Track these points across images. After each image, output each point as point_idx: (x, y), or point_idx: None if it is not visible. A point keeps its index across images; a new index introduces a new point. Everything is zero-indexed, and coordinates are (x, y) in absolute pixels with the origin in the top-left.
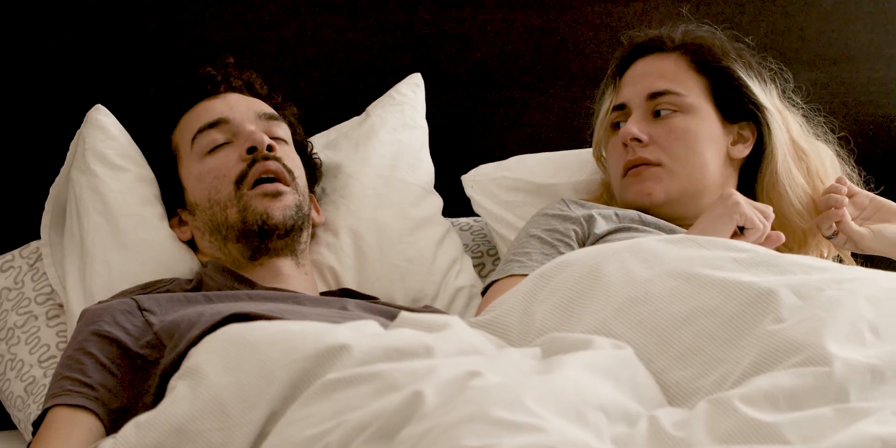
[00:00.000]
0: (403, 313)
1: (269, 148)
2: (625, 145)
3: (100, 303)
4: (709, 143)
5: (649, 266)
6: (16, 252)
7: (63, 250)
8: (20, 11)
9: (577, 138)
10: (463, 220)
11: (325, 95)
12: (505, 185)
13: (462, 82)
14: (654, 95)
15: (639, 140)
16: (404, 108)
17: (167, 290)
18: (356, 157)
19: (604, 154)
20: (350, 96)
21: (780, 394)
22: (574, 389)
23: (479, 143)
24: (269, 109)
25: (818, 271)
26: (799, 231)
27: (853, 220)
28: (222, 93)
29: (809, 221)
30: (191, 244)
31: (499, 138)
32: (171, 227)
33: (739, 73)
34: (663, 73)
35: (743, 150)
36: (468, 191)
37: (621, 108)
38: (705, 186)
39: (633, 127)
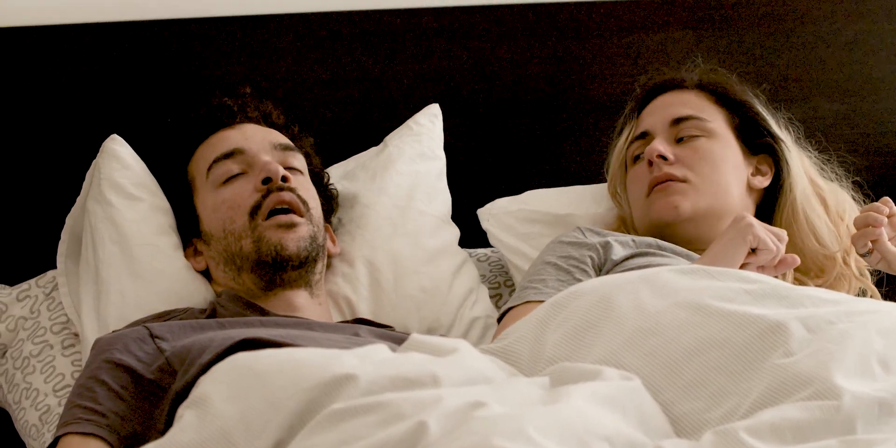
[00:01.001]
0: (413, 335)
1: (284, 179)
2: (650, 164)
3: (114, 332)
4: (732, 167)
5: (661, 297)
6: (32, 281)
7: (79, 280)
8: (38, 42)
9: (596, 169)
10: (480, 250)
11: (344, 126)
12: (521, 217)
13: (480, 113)
14: (677, 121)
15: (664, 158)
16: (422, 138)
17: (180, 320)
18: (373, 187)
19: (619, 190)
20: (368, 127)
21: (786, 426)
22: (579, 419)
23: (497, 174)
24: (285, 140)
25: (830, 304)
26: (817, 264)
27: (889, 240)
28: (238, 123)
29: (830, 254)
30: (206, 274)
31: (517, 169)
32: (186, 256)
33: (758, 107)
34: (685, 102)
35: (763, 182)
36: (484, 224)
37: (643, 136)
38: (728, 208)
39: (658, 145)
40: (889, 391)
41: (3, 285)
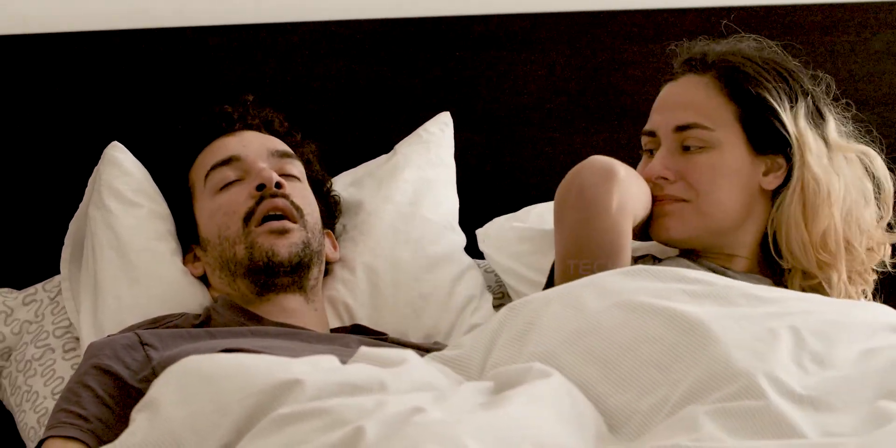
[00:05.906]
0: (362, 348)
1: (278, 185)
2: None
3: (107, 336)
4: (735, 178)
5: (603, 298)
6: (39, 286)
7: (80, 284)
8: (40, 50)
9: None
10: (485, 261)
11: (355, 133)
12: (513, 236)
13: (495, 122)
14: (681, 128)
15: (665, 178)
16: (430, 146)
17: (175, 326)
18: (378, 194)
19: None
20: (380, 135)
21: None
22: (515, 425)
23: (511, 184)
24: (283, 147)
25: (767, 303)
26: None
27: None
28: (238, 130)
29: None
30: (204, 280)
31: (533, 178)
32: (185, 262)
33: (773, 103)
34: (691, 102)
35: (773, 181)
36: (481, 246)
37: (652, 134)
38: (728, 223)
39: (658, 165)
40: (817, 388)
41: (10, 289)
